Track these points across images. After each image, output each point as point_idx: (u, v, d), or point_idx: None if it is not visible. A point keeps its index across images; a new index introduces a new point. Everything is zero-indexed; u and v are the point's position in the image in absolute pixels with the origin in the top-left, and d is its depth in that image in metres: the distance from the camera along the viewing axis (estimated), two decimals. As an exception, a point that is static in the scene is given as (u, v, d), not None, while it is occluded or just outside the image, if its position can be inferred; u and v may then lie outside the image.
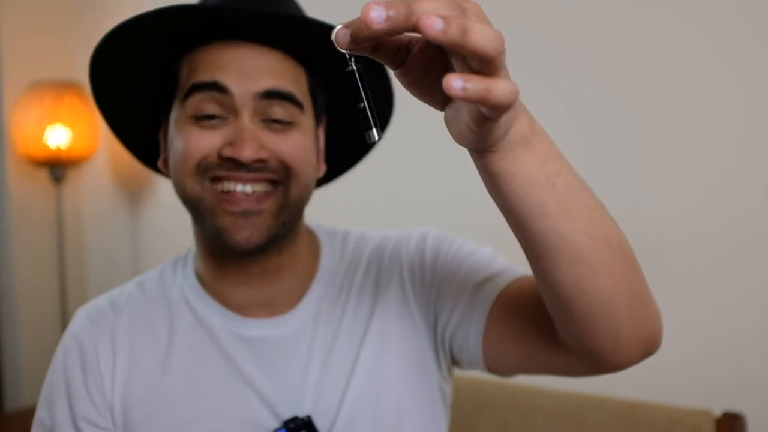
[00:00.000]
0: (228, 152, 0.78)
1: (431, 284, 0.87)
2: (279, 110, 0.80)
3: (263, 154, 0.79)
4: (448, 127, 0.55)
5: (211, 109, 0.79)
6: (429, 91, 0.54)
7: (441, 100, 0.54)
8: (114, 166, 2.62)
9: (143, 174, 2.51)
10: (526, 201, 0.57)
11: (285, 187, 0.81)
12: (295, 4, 0.89)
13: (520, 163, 0.55)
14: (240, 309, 0.87)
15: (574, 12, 1.52)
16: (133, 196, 2.57)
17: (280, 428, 0.81)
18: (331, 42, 0.78)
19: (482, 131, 0.51)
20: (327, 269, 0.90)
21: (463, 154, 0.59)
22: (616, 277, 0.62)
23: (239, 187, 0.79)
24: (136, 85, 0.88)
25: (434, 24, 0.43)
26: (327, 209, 1.22)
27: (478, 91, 0.44)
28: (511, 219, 0.59)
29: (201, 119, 0.80)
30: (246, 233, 0.79)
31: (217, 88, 0.79)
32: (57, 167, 2.46)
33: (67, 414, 0.83)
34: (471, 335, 0.82)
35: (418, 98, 0.55)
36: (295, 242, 0.88)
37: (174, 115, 0.83)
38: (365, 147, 0.96)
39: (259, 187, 0.80)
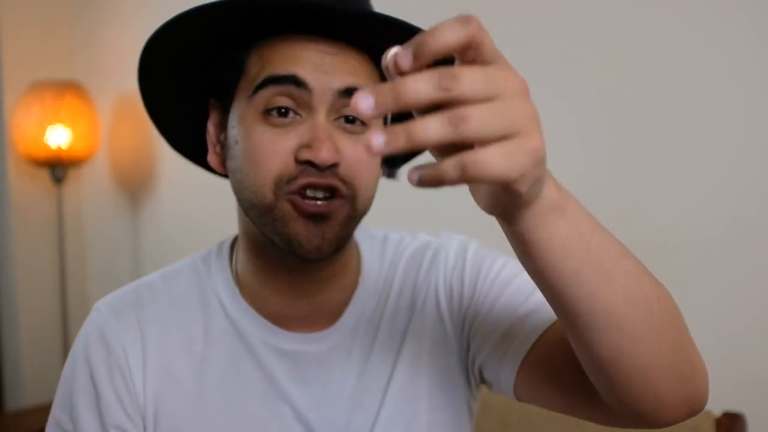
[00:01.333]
0: (305, 155, 0.73)
1: (468, 306, 0.84)
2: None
3: (337, 158, 0.74)
4: (475, 200, 0.52)
5: (285, 102, 0.75)
6: None
7: None
8: (114, 167, 2.62)
9: (143, 174, 2.52)
10: (560, 268, 0.54)
11: (350, 199, 0.77)
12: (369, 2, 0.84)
13: (552, 230, 0.52)
14: (280, 320, 0.83)
15: (577, 11, 1.52)
16: (134, 196, 2.57)
17: None
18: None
19: (508, 195, 0.49)
20: (368, 281, 0.87)
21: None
22: (655, 340, 0.58)
23: (309, 191, 0.75)
24: (192, 74, 0.83)
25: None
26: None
27: (462, 171, 0.43)
28: (544, 285, 0.56)
29: (272, 114, 0.75)
30: (317, 241, 0.75)
31: (295, 81, 0.74)
32: (57, 167, 2.46)
33: (94, 420, 0.79)
34: (503, 375, 0.79)
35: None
36: (347, 251, 0.84)
37: (238, 110, 0.78)
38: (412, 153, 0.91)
39: (325, 194, 0.75)
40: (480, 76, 0.43)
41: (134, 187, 2.57)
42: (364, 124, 0.77)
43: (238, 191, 0.79)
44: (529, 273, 0.57)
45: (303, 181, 0.74)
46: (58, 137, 2.39)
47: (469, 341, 0.84)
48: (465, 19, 0.45)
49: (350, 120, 0.76)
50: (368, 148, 0.42)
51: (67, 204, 2.63)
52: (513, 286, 0.81)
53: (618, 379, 0.60)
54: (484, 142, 0.43)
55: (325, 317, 0.84)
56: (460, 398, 0.86)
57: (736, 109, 1.33)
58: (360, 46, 0.78)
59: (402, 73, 0.45)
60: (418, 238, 0.92)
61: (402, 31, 0.75)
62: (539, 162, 0.46)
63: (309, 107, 0.75)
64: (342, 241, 0.78)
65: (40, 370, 2.59)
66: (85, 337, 0.83)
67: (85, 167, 2.64)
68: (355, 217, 0.78)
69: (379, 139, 0.42)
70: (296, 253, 0.76)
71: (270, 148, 0.75)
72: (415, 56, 0.44)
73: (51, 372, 2.59)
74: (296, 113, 0.75)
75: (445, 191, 0.52)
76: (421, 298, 0.86)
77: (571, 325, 0.58)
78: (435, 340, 0.85)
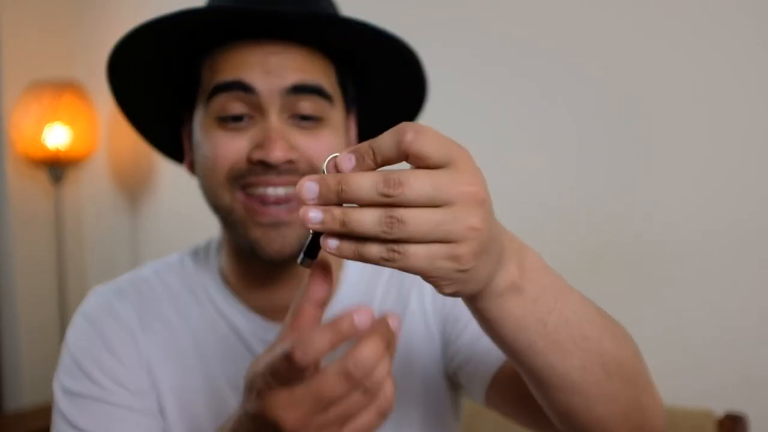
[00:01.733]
0: (257, 155, 0.76)
1: (450, 309, 0.85)
2: (308, 105, 0.77)
3: (293, 155, 0.76)
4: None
5: (237, 108, 0.77)
6: None
7: None
8: (113, 166, 2.61)
9: (143, 173, 2.51)
10: (515, 342, 0.56)
11: None
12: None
13: (507, 309, 0.54)
14: (266, 312, 0.85)
15: (576, 12, 1.51)
16: (133, 195, 2.57)
17: None
18: (358, 36, 0.77)
19: (460, 287, 0.50)
20: (352, 273, 0.89)
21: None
22: (611, 400, 0.60)
23: (270, 190, 0.77)
24: (155, 86, 0.86)
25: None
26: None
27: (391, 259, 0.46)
28: (504, 353, 0.59)
29: (226, 120, 0.77)
30: (277, 245, 0.77)
31: (242, 87, 0.76)
32: (56, 167, 2.45)
33: (106, 377, 0.79)
34: (475, 386, 0.81)
35: None
36: None
37: (198, 117, 0.81)
38: None
39: (290, 189, 0.77)
40: (427, 184, 0.45)
41: (133, 186, 2.56)
42: (319, 119, 0.78)
43: (204, 194, 0.82)
44: (490, 338, 0.58)
45: (253, 178, 0.76)
46: (57, 137, 2.39)
47: (448, 342, 0.85)
48: (398, 131, 0.45)
49: (305, 117, 0.78)
50: (302, 220, 0.45)
51: (66, 204, 2.62)
52: None
53: (573, 428, 0.62)
54: (415, 242, 0.45)
55: None
56: (447, 398, 0.87)
57: (734, 112, 1.33)
58: (307, 43, 0.80)
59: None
60: None
61: (346, 27, 0.78)
62: (467, 269, 0.47)
63: (260, 109, 0.77)
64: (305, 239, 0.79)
65: (39, 371, 2.59)
66: (86, 311, 0.84)
67: (84, 167, 2.64)
68: None
69: (316, 216, 0.45)
70: (259, 257, 0.78)
71: (224, 149, 0.77)
72: (358, 163, 0.46)
73: (50, 372, 2.58)
74: (250, 117, 0.77)
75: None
76: (405, 292, 0.87)
77: (529, 382, 0.61)
78: (423, 337, 0.86)
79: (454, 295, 0.51)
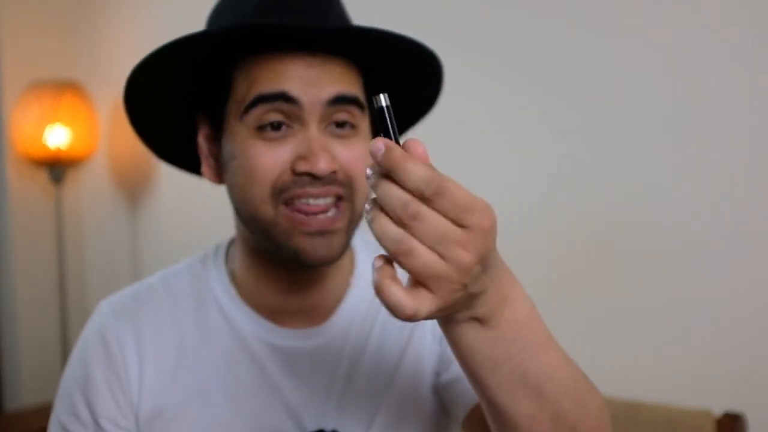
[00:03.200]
0: (303, 167, 0.76)
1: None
2: (345, 115, 0.78)
3: (335, 166, 0.77)
4: None
5: (277, 117, 0.77)
6: None
7: None
8: (113, 166, 2.62)
9: (143, 174, 2.51)
10: (467, 369, 0.60)
11: (351, 202, 0.79)
12: (342, 8, 0.87)
13: (464, 336, 0.57)
14: (274, 316, 0.85)
15: (576, 10, 1.52)
16: (133, 196, 2.57)
17: None
18: (386, 49, 0.81)
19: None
20: (360, 282, 0.89)
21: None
22: None
23: (312, 201, 0.77)
24: (174, 96, 0.86)
25: None
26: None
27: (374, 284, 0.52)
28: (471, 384, 0.62)
29: (265, 130, 0.77)
30: (324, 252, 0.78)
31: (285, 98, 0.76)
32: (56, 167, 2.45)
33: (87, 412, 0.82)
34: (456, 409, 0.83)
35: None
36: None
37: (230, 128, 0.80)
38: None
39: (329, 200, 0.78)
40: (434, 235, 0.50)
41: (133, 186, 2.57)
42: (353, 126, 0.79)
43: (239, 205, 0.81)
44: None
45: (298, 190, 0.76)
46: (57, 137, 2.39)
47: (442, 361, 0.86)
48: (432, 177, 0.50)
49: (340, 125, 0.79)
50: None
51: (66, 204, 2.62)
52: None
53: None
54: (410, 272, 0.50)
55: (319, 314, 0.86)
56: (442, 414, 0.87)
57: (734, 111, 1.33)
58: (342, 55, 0.80)
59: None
60: None
61: (379, 40, 0.79)
62: (445, 312, 0.53)
63: (300, 120, 0.77)
64: (346, 247, 0.81)
65: (39, 370, 2.59)
66: (85, 337, 0.86)
67: (84, 167, 2.64)
68: (354, 219, 0.81)
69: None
70: (303, 263, 0.79)
71: (265, 161, 0.77)
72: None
73: (50, 372, 2.59)
74: (289, 126, 0.77)
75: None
76: None
77: (484, 410, 0.64)
78: (430, 351, 0.86)
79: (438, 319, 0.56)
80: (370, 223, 0.51)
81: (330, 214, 0.78)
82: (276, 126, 0.77)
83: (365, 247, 0.92)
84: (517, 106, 1.60)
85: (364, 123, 0.81)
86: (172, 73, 0.83)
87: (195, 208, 2.32)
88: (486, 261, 0.52)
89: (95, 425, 0.81)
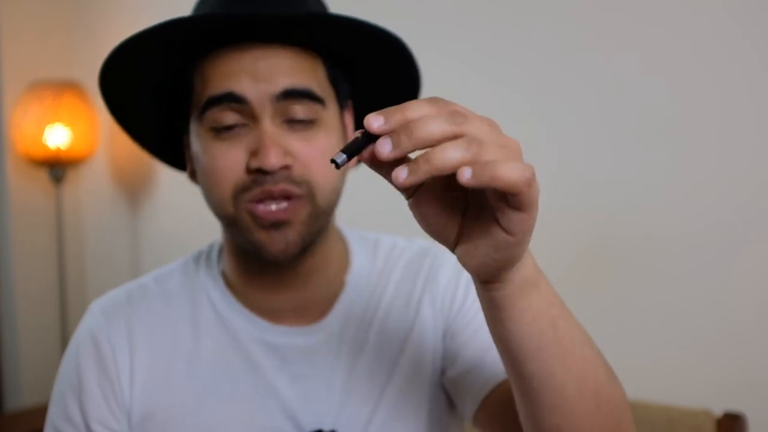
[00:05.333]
0: (254, 164, 0.76)
1: (452, 322, 0.85)
2: (300, 109, 0.77)
3: (288, 160, 0.76)
4: (463, 265, 0.55)
5: (230, 119, 0.77)
6: (442, 227, 0.55)
7: (454, 237, 0.55)
8: (114, 166, 2.62)
9: (143, 174, 2.51)
10: (526, 341, 0.57)
11: (311, 198, 0.78)
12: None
13: (527, 302, 0.56)
14: (268, 315, 0.85)
15: (577, 9, 1.52)
16: (133, 195, 2.57)
17: None
18: (343, 34, 0.78)
19: (502, 255, 0.52)
20: (358, 276, 0.88)
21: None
22: (594, 429, 0.61)
23: (268, 200, 0.77)
24: (149, 96, 0.86)
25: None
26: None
27: (487, 173, 0.47)
28: (507, 355, 0.59)
29: (220, 131, 0.77)
30: (281, 246, 0.78)
31: (232, 98, 0.76)
32: (57, 167, 2.45)
33: (80, 416, 0.81)
34: (465, 404, 0.81)
35: (430, 234, 0.55)
36: (326, 244, 0.86)
37: (194, 128, 0.81)
38: None
39: (283, 204, 0.77)
40: (485, 129, 0.48)
41: (133, 186, 2.57)
42: (312, 121, 0.78)
43: (208, 203, 0.83)
44: (496, 342, 0.59)
45: (257, 190, 0.76)
46: (57, 137, 2.39)
47: (446, 355, 0.85)
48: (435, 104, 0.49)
49: (298, 120, 0.78)
50: (396, 180, 0.47)
51: (66, 204, 2.63)
52: (485, 328, 0.83)
53: None
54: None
55: (314, 311, 0.86)
56: (447, 409, 0.86)
57: (733, 110, 1.33)
58: (295, 43, 0.79)
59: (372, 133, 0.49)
60: (415, 243, 0.92)
61: (333, 25, 0.78)
62: (535, 198, 0.50)
63: (252, 116, 0.77)
64: (308, 239, 0.80)
65: (39, 371, 2.59)
66: (76, 338, 0.86)
67: (84, 167, 2.64)
68: (317, 214, 0.79)
69: (403, 173, 0.47)
70: (264, 258, 0.79)
71: (222, 163, 0.78)
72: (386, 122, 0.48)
73: (50, 372, 2.58)
74: (243, 125, 0.77)
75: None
76: (425, 301, 0.86)
77: (521, 396, 0.61)
78: (432, 344, 0.85)
79: (508, 260, 0.52)
80: (430, 161, 0.47)
81: (283, 205, 0.77)
82: (230, 126, 0.77)
83: (361, 243, 0.91)
84: (516, 105, 1.60)
85: (326, 115, 0.80)
86: (135, 75, 0.83)
87: (195, 208, 2.31)
88: None
89: (87, 429, 0.81)
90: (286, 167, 0.76)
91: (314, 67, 0.81)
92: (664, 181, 1.41)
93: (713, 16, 1.35)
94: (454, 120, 0.47)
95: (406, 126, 0.47)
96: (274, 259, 0.79)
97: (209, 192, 0.81)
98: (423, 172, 0.46)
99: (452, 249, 0.55)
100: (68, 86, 2.44)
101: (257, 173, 0.76)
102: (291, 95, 0.77)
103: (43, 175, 2.55)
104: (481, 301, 0.58)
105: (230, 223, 0.80)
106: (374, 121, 0.48)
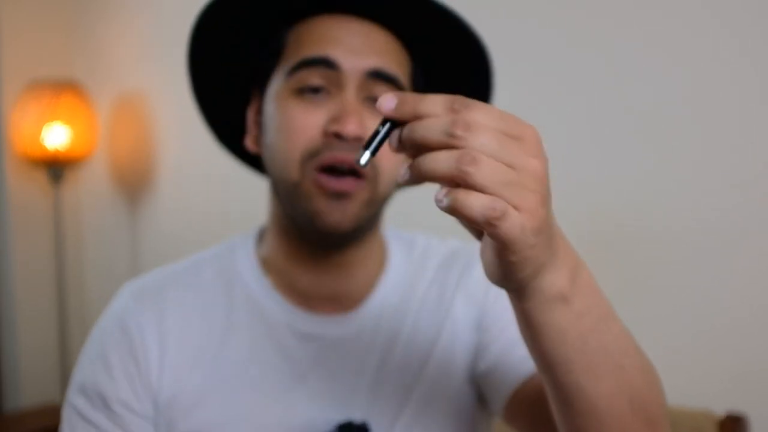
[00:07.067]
0: (333, 127, 0.77)
1: (486, 322, 0.86)
2: (383, 90, 0.80)
3: (363, 132, 0.77)
4: (482, 262, 0.54)
5: (317, 81, 0.79)
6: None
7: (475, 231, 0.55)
8: (113, 166, 2.61)
9: (142, 173, 2.51)
10: (553, 354, 0.56)
11: (374, 181, 0.79)
12: None
13: (553, 317, 0.54)
14: (304, 300, 0.85)
15: (579, 9, 1.52)
16: (132, 195, 2.57)
17: None
18: (439, 23, 0.82)
19: (501, 262, 0.50)
20: (394, 272, 0.89)
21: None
22: None
23: (338, 165, 0.77)
24: (236, 59, 0.88)
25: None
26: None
27: (450, 202, 0.46)
28: (537, 363, 0.59)
29: (305, 92, 0.79)
30: (338, 216, 0.78)
31: (327, 63, 0.78)
32: (55, 167, 2.45)
33: (101, 395, 0.80)
34: (495, 399, 0.82)
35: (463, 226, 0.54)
36: (373, 237, 0.87)
37: (274, 88, 0.82)
38: None
39: (350, 179, 0.78)
40: (493, 143, 0.46)
41: (132, 186, 2.56)
42: None
43: (269, 166, 0.83)
44: (526, 344, 0.58)
45: (327, 154, 0.77)
46: (56, 136, 2.39)
47: (477, 351, 0.85)
48: (452, 97, 0.47)
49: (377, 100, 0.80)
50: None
51: (65, 203, 2.62)
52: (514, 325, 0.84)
53: None
54: (482, 186, 0.45)
55: (350, 301, 0.86)
56: (477, 408, 0.87)
57: (736, 109, 1.33)
58: (389, 26, 0.82)
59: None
60: (448, 243, 0.94)
61: (430, 12, 0.81)
62: (523, 229, 0.47)
63: (339, 85, 0.79)
64: (362, 221, 0.80)
65: (38, 371, 2.59)
66: (103, 322, 0.85)
67: (83, 166, 2.64)
68: (376, 199, 0.81)
69: (403, 170, 0.48)
70: (317, 228, 0.79)
71: (301, 122, 0.79)
72: (397, 108, 0.48)
73: (49, 372, 2.59)
74: (328, 91, 0.79)
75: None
76: (457, 300, 0.87)
77: (553, 398, 0.61)
78: (464, 344, 0.86)
79: (511, 272, 0.51)
80: (418, 166, 0.46)
81: (349, 180, 0.78)
82: (315, 89, 0.79)
83: (398, 241, 0.92)
84: (516, 105, 1.60)
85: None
86: (229, 32, 0.86)
87: (195, 208, 2.32)
88: (547, 196, 0.49)
89: (107, 409, 0.80)
90: (360, 139, 0.77)
91: (402, 57, 0.84)
92: (664, 179, 1.41)
93: (714, 16, 1.35)
94: (457, 129, 0.45)
95: (411, 122, 0.47)
96: (328, 229, 0.78)
97: (278, 151, 0.80)
98: (414, 176, 0.47)
99: (479, 238, 0.55)
100: (67, 85, 2.43)
101: (332, 138, 0.77)
102: (379, 76, 0.80)
103: (41, 175, 2.54)
104: (513, 308, 0.57)
105: (291, 190, 0.80)
106: (388, 101, 0.48)
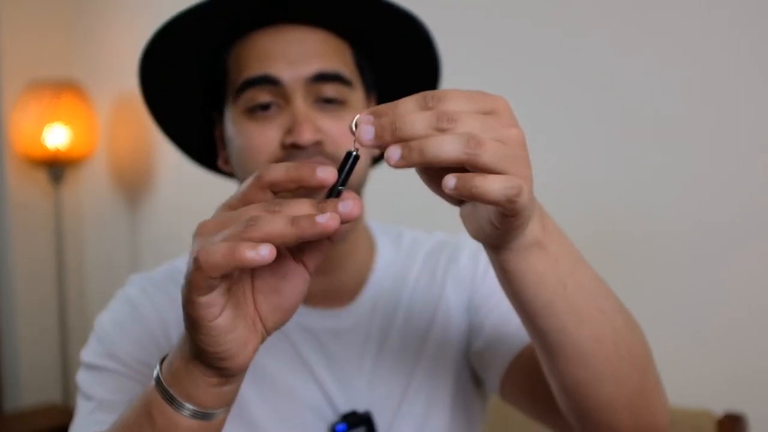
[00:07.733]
0: (289, 139, 0.78)
1: (476, 301, 0.88)
2: (330, 89, 0.81)
3: (320, 136, 0.79)
4: (464, 223, 0.55)
5: (264, 98, 0.80)
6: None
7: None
8: (113, 166, 2.61)
9: (142, 173, 2.51)
10: (535, 299, 0.58)
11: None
12: None
13: (532, 263, 0.56)
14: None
15: (575, 10, 1.52)
16: (132, 195, 2.57)
17: (339, 422, 0.81)
18: (375, 14, 0.83)
19: (504, 227, 0.52)
20: (384, 263, 0.91)
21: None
22: (619, 381, 0.62)
23: None
24: (187, 87, 0.89)
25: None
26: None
27: (468, 188, 0.46)
28: (521, 314, 0.61)
29: (255, 111, 0.80)
30: None
31: (269, 80, 0.80)
32: (56, 167, 2.45)
33: (113, 357, 0.80)
34: (491, 376, 0.84)
35: (435, 193, 0.55)
36: (356, 229, 0.88)
37: (229, 113, 0.84)
38: None
39: None
40: (477, 126, 0.48)
41: (133, 186, 2.56)
42: (342, 102, 0.82)
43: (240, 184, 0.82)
44: (509, 300, 0.61)
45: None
46: (57, 136, 2.39)
47: (471, 331, 0.88)
48: (421, 94, 0.48)
49: (328, 100, 0.81)
50: (388, 160, 0.47)
51: (66, 203, 2.62)
52: (505, 301, 0.86)
53: (579, 409, 0.65)
54: (491, 170, 0.47)
55: (344, 295, 0.88)
56: (473, 389, 0.89)
57: (734, 109, 1.33)
58: (327, 26, 0.84)
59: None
60: (433, 235, 0.96)
61: (363, 4, 0.82)
62: (530, 195, 0.49)
63: (286, 97, 0.80)
64: None
65: (39, 370, 2.59)
66: (114, 304, 0.86)
67: (84, 166, 2.64)
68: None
69: (395, 154, 0.47)
70: None
71: (257, 140, 0.80)
72: (377, 134, 0.48)
73: (49, 372, 2.59)
74: (277, 105, 0.81)
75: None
76: (448, 282, 0.89)
77: (541, 350, 0.63)
78: (457, 325, 0.88)
79: (510, 234, 0.52)
80: (422, 150, 0.47)
81: None
82: (265, 106, 0.80)
83: (385, 233, 0.94)
84: (515, 105, 1.60)
85: (354, 97, 0.83)
86: (173, 63, 0.87)
87: (194, 208, 2.32)
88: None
89: (125, 366, 0.79)
90: (318, 143, 0.79)
91: (343, 51, 0.85)
92: (663, 180, 1.41)
93: (711, 17, 1.35)
94: (442, 123, 0.47)
95: (391, 123, 0.48)
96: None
97: (242, 171, 0.82)
98: (415, 162, 0.47)
99: (457, 204, 0.56)
100: (67, 85, 2.43)
101: (291, 149, 0.79)
102: (322, 78, 0.81)
103: (42, 175, 2.54)
104: (491, 264, 0.59)
105: None
106: (366, 133, 0.48)
